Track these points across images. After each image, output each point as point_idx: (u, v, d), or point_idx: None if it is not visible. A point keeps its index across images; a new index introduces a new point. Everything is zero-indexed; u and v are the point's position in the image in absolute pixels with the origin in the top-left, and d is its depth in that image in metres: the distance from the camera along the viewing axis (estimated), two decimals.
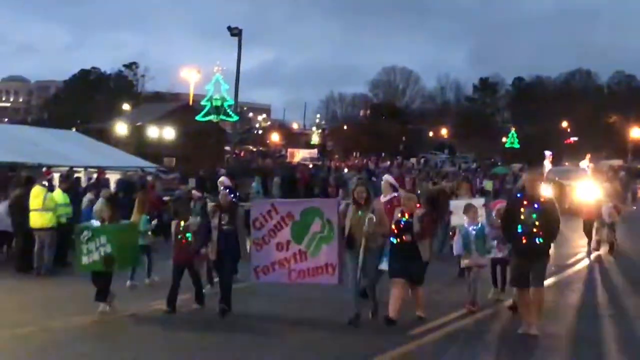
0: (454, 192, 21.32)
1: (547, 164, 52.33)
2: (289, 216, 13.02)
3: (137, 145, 52.15)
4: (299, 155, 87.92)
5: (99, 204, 15.18)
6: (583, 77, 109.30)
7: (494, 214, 14.22)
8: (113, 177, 27.79)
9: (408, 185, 27.82)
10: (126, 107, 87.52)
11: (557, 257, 18.67)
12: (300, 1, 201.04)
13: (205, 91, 61.00)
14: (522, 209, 11.52)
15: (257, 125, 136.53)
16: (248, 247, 13.58)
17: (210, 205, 14.32)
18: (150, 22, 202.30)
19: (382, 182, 15.01)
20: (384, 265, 12.65)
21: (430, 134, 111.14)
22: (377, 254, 12.52)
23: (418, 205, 13.36)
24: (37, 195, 18.17)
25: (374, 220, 12.19)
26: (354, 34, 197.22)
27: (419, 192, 23.97)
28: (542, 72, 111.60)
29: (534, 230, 11.38)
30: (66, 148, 30.42)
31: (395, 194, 14.27)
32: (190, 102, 75.62)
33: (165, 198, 23.95)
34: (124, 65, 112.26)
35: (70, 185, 20.70)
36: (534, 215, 11.41)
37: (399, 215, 12.67)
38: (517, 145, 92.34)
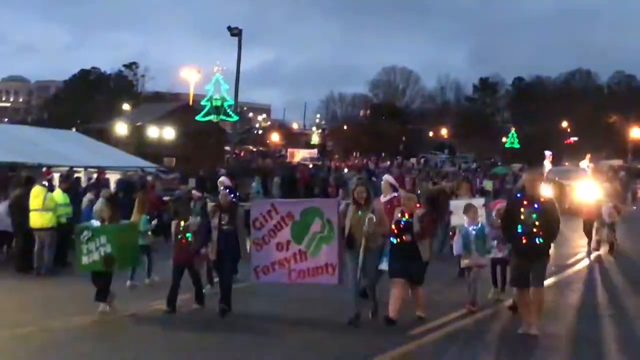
0: (453, 192, 21.32)
1: (547, 164, 52.34)
2: (289, 216, 13.02)
3: (137, 145, 52.16)
4: (299, 155, 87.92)
5: (98, 204, 15.19)
6: (583, 77, 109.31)
7: (493, 214, 14.22)
8: (113, 177, 27.80)
9: (408, 185, 27.83)
10: (126, 107, 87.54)
11: (557, 257, 18.68)
12: (300, 1, 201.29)
13: (205, 91, 61.06)
14: (522, 209, 11.53)
15: (257, 125, 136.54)
16: (248, 247, 13.56)
17: (210, 205, 14.31)
18: (150, 22, 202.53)
19: (382, 182, 15.02)
20: (384, 265, 12.65)
21: (430, 134, 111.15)
22: (377, 254, 12.52)
23: (418, 205, 13.35)
24: (37, 195, 18.18)
25: (374, 220, 12.20)
26: (354, 34, 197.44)
27: (419, 192, 23.97)
28: (542, 72, 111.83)
29: (534, 230, 11.38)
30: (66, 148, 30.42)
31: (395, 194, 14.27)
32: (190, 102, 75.64)
33: (165, 198, 23.95)
34: (124, 65, 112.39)
35: (70, 185, 20.71)
36: (534, 215, 11.41)
37: (399, 215, 12.68)
38: (517, 145, 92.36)
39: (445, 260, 17.22)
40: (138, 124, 59.87)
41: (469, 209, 13.98)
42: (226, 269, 13.28)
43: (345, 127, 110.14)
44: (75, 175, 24.51)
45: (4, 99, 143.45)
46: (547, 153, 57.11)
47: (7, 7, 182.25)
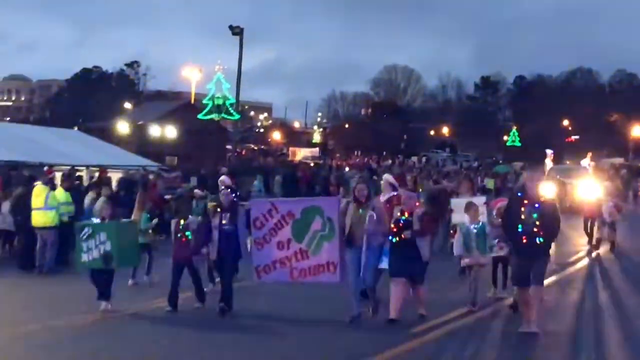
0: (454, 191, 21.31)
1: (549, 163, 52.35)
2: (289, 215, 13.03)
3: (139, 144, 52.19)
4: (301, 153, 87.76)
5: (99, 203, 15.25)
6: (584, 76, 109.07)
7: (494, 212, 14.23)
8: (115, 176, 27.81)
9: (410, 183, 27.83)
10: (128, 105, 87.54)
11: (558, 256, 18.72)
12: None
13: (207, 90, 61.08)
14: (522, 209, 11.50)
15: (259, 124, 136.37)
16: (249, 246, 13.57)
17: (210, 205, 14.32)
18: (152, 20, 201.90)
19: (382, 182, 15.01)
20: (384, 265, 12.67)
21: (432, 132, 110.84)
22: (378, 252, 12.54)
23: (417, 203, 13.36)
24: (39, 194, 18.23)
25: (375, 217, 12.23)
26: (355, 33, 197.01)
27: (420, 190, 23.97)
28: (544, 71, 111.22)
29: (535, 230, 11.37)
30: (68, 147, 30.47)
31: (395, 193, 14.26)
32: (192, 101, 75.56)
33: (167, 197, 23.98)
34: (126, 64, 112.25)
35: (72, 183, 20.75)
36: (535, 215, 11.40)
37: (399, 214, 12.70)
38: (518, 144, 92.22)
39: (447, 259, 17.23)
40: (140, 122, 59.89)
41: (470, 208, 13.98)
42: (227, 269, 13.30)
43: (346, 126, 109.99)
44: (77, 174, 24.54)
45: (5, 97, 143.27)
46: (549, 151, 57.11)
47: (9, 6, 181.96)
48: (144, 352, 10.78)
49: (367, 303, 12.71)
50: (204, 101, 60.71)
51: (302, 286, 13.57)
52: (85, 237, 13.20)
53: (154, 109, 67.10)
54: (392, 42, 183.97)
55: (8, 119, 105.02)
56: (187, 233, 13.47)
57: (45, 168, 24.29)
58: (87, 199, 20.51)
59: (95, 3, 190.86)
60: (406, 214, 12.60)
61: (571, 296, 15.46)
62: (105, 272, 13.23)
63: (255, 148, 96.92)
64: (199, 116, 58.68)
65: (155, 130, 58.16)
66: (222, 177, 17.08)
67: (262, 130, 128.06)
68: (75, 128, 55.91)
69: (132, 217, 16.42)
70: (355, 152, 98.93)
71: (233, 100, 53.61)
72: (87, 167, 27.98)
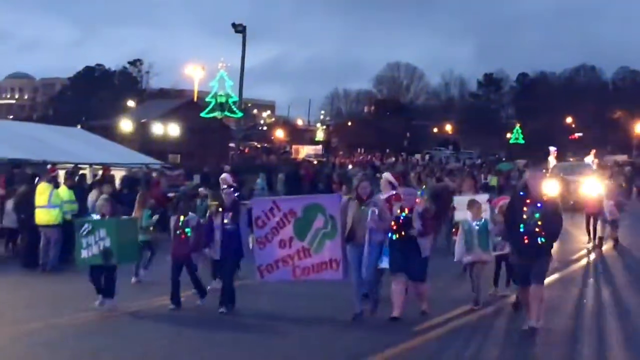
0: (456, 189, 21.28)
1: (552, 160, 52.36)
2: (291, 213, 13.01)
3: (142, 142, 52.19)
4: (304, 151, 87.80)
5: (99, 200, 15.27)
6: (588, 73, 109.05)
7: (496, 211, 14.22)
8: (118, 174, 27.82)
9: (414, 180, 27.83)
10: (131, 103, 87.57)
11: (561, 253, 18.71)
12: None
13: (210, 88, 61.15)
14: (524, 208, 11.44)
15: (262, 122, 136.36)
16: (251, 245, 13.55)
17: (212, 204, 14.30)
18: (155, 18, 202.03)
19: (381, 180, 14.94)
20: (385, 264, 12.64)
21: (435, 130, 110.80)
22: (378, 249, 12.50)
23: (417, 200, 13.33)
24: (42, 192, 18.25)
25: (377, 213, 12.22)
26: (358, 30, 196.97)
27: (424, 187, 23.93)
28: (547, 68, 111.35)
29: (536, 229, 11.31)
30: (71, 145, 30.51)
31: (394, 192, 14.22)
32: (195, 99, 75.53)
33: (170, 194, 23.98)
34: (129, 62, 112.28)
35: (76, 182, 20.76)
36: (537, 215, 11.34)
37: (399, 210, 12.67)
38: (521, 141, 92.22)
39: (449, 257, 17.23)
40: (143, 120, 59.90)
41: (472, 205, 13.96)
42: (227, 269, 13.26)
43: (349, 124, 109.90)
44: (81, 172, 24.56)
45: (8, 96, 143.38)
46: (552, 149, 57.17)
47: (12, 4, 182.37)
48: (146, 350, 10.79)
49: (368, 301, 12.71)
50: (207, 99, 60.76)
51: (304, 284, 13.57)
52: (85, 233, 13.21)
53: (157, 107, 67.09)
54: (395, 39, 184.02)
55: (11, 117, 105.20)
56: (187, 230, 13.47)
57: (49, 166, 24.35)
58: (91, 197, 20.51)
59: (99, 1, 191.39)
60: (406, 211, 12.58)
61: (573, 294, 15.45)
62: (107, 269, 13.24)
63: (258, 146, 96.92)
64: (202, 114, 58.71)
65: (158, 128, 58.16)
66: (224, 176, 17.05)
67: (265, 128, 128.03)
68: (79, 126, 56.04)
69: (133, 214, 16.43)
70: (359, 150, 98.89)
71: (236, 98, 53.65)
72: (91, 165, 27.98)
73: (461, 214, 14.80)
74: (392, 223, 12.50)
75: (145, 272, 16.19)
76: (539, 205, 11.41)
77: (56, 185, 19.21)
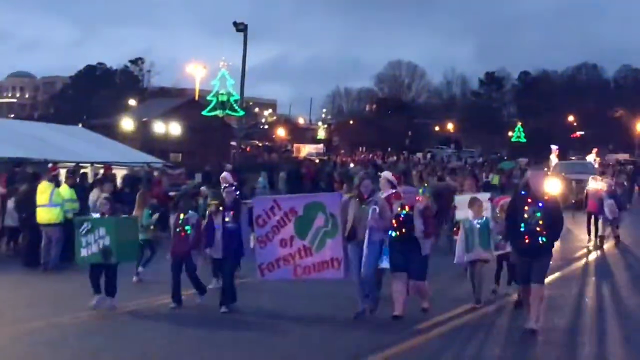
0: (457, 189, 21.24)
1: (554, 158, 52.31)
2: (292, 212, 13.00)
3: (143, 140, 52.20)
4: (305, 150, 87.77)
5: (99, 199, 15.27)
6: (589, 72, 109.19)
7: (497, 210, 14.19)
8: (120, 173, 27.84)
9: (415, 178, 27.84)
10: (132, 102, 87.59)
11: (562, 252, 18.71)
12: None
13: (211, 86, 60.98)
14: (526, 207, 11.42)
15: (263, 121, 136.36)
16: (252, 244, 13.53)
17: (212, 203, 14.27)
18: (156, 17, 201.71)
19: (381, 179, 14.86)
20: (385, 264, 12.61)
21: (436, 128, 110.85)
22: (378, 248, 12.45)
23: (418, 198, 13.30)
24: (44, 190, 18.25)
25: (378, 211, 12.20)
26: (360, 29, 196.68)
27: (425, 185, 23.92)
28: (549, 67, 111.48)
29: (537, 229, 11.28)
30: (72, 144, 30.55)
31: (393, 191, 14.19)
32: (196, 98, 75.49)
33: (172, 193, 23.98)
34: (130, 61, 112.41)
35: (77, 180, 20.76)
36: (538, 214, 11.30)
37: (399, 208, 12.65)
38: (523, 140, 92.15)
39: (451, 255, 17.23)
40: (144, 119, 59.90)
41: (474, 203, 13.92)
42: (228, 268, 13.21)
43: (351, 122, 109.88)
44: (82, 170, 24.58)
45: (10, 94, 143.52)
46: (554, 147, 57.07)
47: (13, 3, 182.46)
48: (146, 349, 10.78)
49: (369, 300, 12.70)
50: (208, 98, 60.61)
51: (305, 283, 13.58)
52: (84, 232, 13.22)
53: (158, 106, 67.10)
54: (396, 38, 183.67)
55: (12, 115, 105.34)
56: (187, 228, 13.46)
57: (50, 165, 24.39)
58: (92, 196, 20.49)
59: (100, 0, 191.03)
60: (407, 209, 12.55)
61: (574, 292, 15.45)
62: (107, 268, 13.23)
63: (260, 144, 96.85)
64: (203, 113, 58.58)
65: (159, 127, 58.16)
66: (224, 174, 17.01)
67: (266, 126, 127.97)
68: (80, 125, 55.98)
69: (134, 213, 16.44)
70: (360, 149, 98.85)
71: (237, 97, 53.51)
72: (92, 164, 28.00)
73: (462, 213, 14.73)
74: (393, 221, 12.48)
75: (143, 270, 16.15)
76: (540, 204, 11.38)
77: (57, 184, 19.22)
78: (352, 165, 55.31)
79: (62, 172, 21.98)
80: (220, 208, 13.36)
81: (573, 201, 29.45)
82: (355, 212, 12.43)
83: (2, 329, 11.72)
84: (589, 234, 23.31)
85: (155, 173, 28.30)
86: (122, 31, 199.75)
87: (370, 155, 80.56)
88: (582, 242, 23.18)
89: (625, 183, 34.97)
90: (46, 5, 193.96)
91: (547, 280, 12.33)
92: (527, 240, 11.34)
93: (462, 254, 13.64)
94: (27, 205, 18.58)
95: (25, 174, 21.59)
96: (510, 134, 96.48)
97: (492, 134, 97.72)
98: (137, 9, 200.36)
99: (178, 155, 53.48)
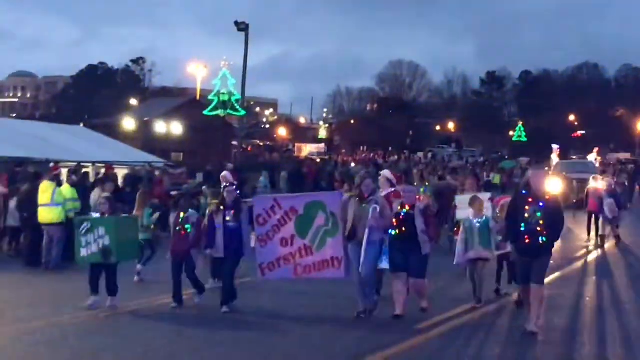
0: (458, 188, 21.27)
1: (555, 158, 52.31)
2: (292, 211, 13.00)
3: (145, 140, 52.20)
4: (306, 149, 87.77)
5: (99, 199, 15.29)
6: (590, 71, 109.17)
7: (497, 210, 14.20)
8: (121, 172, 27.87)
9: (416, 177, 27.86)
10: (134, 102, 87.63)
11: (563, 251, 18.71)
12: None
13: (213, 86, 60.99)
14: (526, 207, 11.40)
15: (264, 120, 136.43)
16: (253, 243, 13.52)
17: (212, 203, 14.27)
18: (157, 16, 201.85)
19: (380, 178, 14.84)
20: (385, 265, 12.61)
21: (437, 128, 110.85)
22: (378, 247, 12.43)
23: (419, 197, 13.30)
24: (45, 190, 18.27)
25: (378, 210, 12.20)
26: (361, 28, 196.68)
27: (426, 184, 23.96)
28: (550, 66, 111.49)
29: (538, 229, 11.25)
30: (74, 143, 30.57)
31: (393, 190, 14.20)
32: (198, 97, 75.65)
33: (173, 193, 24.00)
34: (131, 61, 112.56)
35: (79, 180, 20.78)
36: (539, 214, 11.28)
37: (399, 207, 12.66)
38: (524, 139, 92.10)
39: (452, 255, 17.24)
40: (145, 119, 59.90)
41: (474, 202, 13.92)
42: (229, 267, 13.17)
43: (352, 122, 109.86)
44: (84, 170, 24.61)
45: (11, 94, 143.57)
46: (555, 146, 57.07)
47: (15, 3, 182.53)
48: (146, 349, 10.78)
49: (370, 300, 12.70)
50: (210, 97, 60.66)
51: (306, 282, 13.57)
52: (84, 231, 13.23)
53: (160, 105, 67.11)
54: (397, 37, 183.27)
55: (14, 115, 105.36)
56: (187, 226, 13.46)
57: (51, 164, 24.40)
58: (93, 195, 20.51)
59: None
60: (407, 207, 12.56)
61: (575, 292, 15.46)
62: (107, 267, 13.24)
63: (261, 144, 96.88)
64: (205, 112, 58.62)
65: (160, 127, 58.17)
66: (224, 173, 17.02)
67: (267, 126, 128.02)
68: (81, 124, 56.01)
69: (134, 213, 16.46)
70: (361, 148, 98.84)
71: (239, 96, 53.50)
72: (93, 163, 28.02)
73: (463, 212, 14.75)
74: (394, 220, 12.48)
75: (143, 269, 16.14)
76: (541, 204, 11.36)
77: (59, 184, 19.24)
78: (353, 164, 55.30)
79: (64, 172, 22.01)
80: (221, 207, 13.33)
81: (574, 201, 29.45)
82: (355, 211, 12.42)
83: (3, 328, 11.74)
84: (589, 233, 23.34)
85: (157, 173, 28.34)
86: (124, 31, 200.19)
87: (372, 155, 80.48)
88: (582, 242, 23.20)
89: (626, 182, 34.99)
90: (48, 5, 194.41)
91: (547, 280, 12.36)
92: (527, 240, 11.33)
93: (462, 254, 13.64)
94: (29, 204, 18.60)
95: (26, 173, 21.61)
96: (511, 133, 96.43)
97: (493, 133, 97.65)
98: (139, 8, 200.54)
99: (179, 155, 53.48)
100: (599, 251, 21.74)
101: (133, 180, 25.33)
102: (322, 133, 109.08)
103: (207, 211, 14.02)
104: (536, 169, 18.13)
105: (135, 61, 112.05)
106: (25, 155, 25.72)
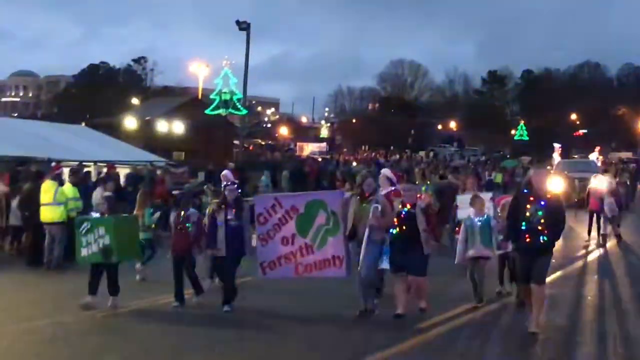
0: (459, 187, 21.27)
1: (557, 157, 52.29)
2: (293, 209, 13.01)
3: (147, 139, 52.18)
4: (308, 148, 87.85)
5: (99, 199, 15.29)
6: (592, 70, 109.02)
7: (498, 209, 14.19)
8: (123, 172, 27.87)
9: (418, 176, 27.86)
10: (135, 101, 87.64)
11: (564, 250, 18.71)
12: None
13: (214, 85, 61.01)
14: (527, 205, 11.39)
15: (266, 119, 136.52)
16: (254, 242, 13.52)
17: (212, 202, 14.26)
18: (159, 16, 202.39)
19: (380, 176, 14.82)
20: (385, 265, 12.61)
21: (439, 127, 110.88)
22: (378, 247, 12.41)
23: (421, 196, 13.29)
24: (47, 189, 18.28)
25: (379, 209, 12.19)
26: (362, 28, 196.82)
27: (428, 183, 23.96)
28: (551, 65, 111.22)
29: (539, 228, 11.24)
30: (76, 142, 30.55)
31: (392, 188, 14.19)
32: (199, 96, 75.64)
33: (175, 192, 24.00)
34: (133, 60, 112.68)
35: (80, 179, 20.78)
36: (540, 213, 11.27)
37: (400, 206, 12.65)
38: (526, 138, 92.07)
39: (453, 255, 17.23)
40: (147, 118, 59.88)
41: (475, 200, 13.93)
42: (230, 266, 13.14)
43: (354, 121, 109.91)
44: (85, 169, 24.61)
45: (13, 93, 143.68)
46: (557, 145, 57.04)
47: (16, 2, 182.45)
48: (149, 348, 10.81)
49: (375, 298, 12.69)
50: (211, 96, 60.63)
51: (308, 281, 13.57)
52: (84, 231, 13.25)
53: (161, 105, 67.10)
54: (398, 36, 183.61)
55: (16, 114, 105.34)
56: (188, 225, 13.46)
57: (53, 164, 24.39)
58: (95, 195, 20.50)
59: None
60: (408, 206, 12.55)
61: (576, 291, 15.46)
62: (108, 267, 13.25)
63: (263, 143, 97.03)
64: (206, 111, 58.61)
65: (162, 126, 58.16)
66: (225, 172, 17.01)
67: (269, 125, 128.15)
68: (83, 124, 56.05)
69: (135, 212, 16.46)
70: (363, 147, 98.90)
71: (240, 96, 53.50)
72: (95, 162, 28.01)
73: (464, 212, 14.76)
74: (395, 219, 12.47)
75: (143, 267, 16.15)
76: (542, 203, 11.35)
77: (61, 183, 19.24)
78: (355, 164, 55.33)
79: (65, 171, 22.01)
80: (222, 206, 13.31)
81: (575, 200, 29.45)
82: (356, 210, 12.42)
83: (5, 327, 11.75)
84: (589, 233, 23.35)
85: (159, 172, 28.33)
86: (125, 30, 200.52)
87: (373, 154, 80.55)
88: (584, 241, 23.18)
89: (628, 182, 34.99)
90: (49, 4, 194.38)
91: (548, 279, 12.35)
92: (528, 239, 11.32)
93: (463, 253, 13.64)
94: (31, 204, 18.60)
95: (28, 172, 21.60)
96: (513, 132, 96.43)
97: (494, 132, 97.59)
98: (140, 8, 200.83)
99: (181, 154, 53.45)
100: (601, 250, 21.74)
101: (135, 180, 25.33)
102: (324, 132, 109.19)
103: (208, 210, 13.98)
104: (538, 168, 18.09)
105: (137, 60, 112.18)
106: (27, 154, 25.71)
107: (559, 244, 12.47)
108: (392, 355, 10.35)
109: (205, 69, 77.20)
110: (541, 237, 11.26)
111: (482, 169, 44.08)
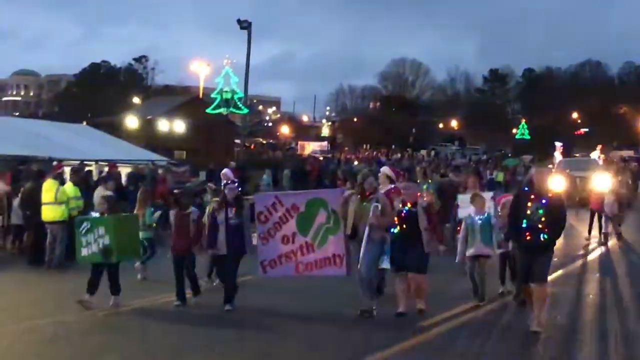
0: (460, 185, 21.26)
1: (558, 156, 52.30)
2: (293, 208, 13.00)
3: (148, 138, 52.25)
4: (309, 147, 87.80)
5: (99, 199, 15.29)
6: (593, 69, 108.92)
7: (499, 208, 14.18)
8: (124, 171, 27.90)
9: (419, 175, 27.81)
10: (136, 100, 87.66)
11: (565, 248, 18.69)
12: None
13: (215, 84, 61.02)
14: (529, 204, 11.37)
15: (267, 118, 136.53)
16: (254, 240, 13.51)
17: (213, 201, 14.26)
18: (160, 15, 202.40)
19: (379, 174, 14.78)
20: (385, 264, 12.60)
21: (440, 125, 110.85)
22: (378, 246, 12.39)
23: (423, 195, 13.29)
24: (49, 188, 18.29)
25: (379, 208, 12.18)
26: (363, 26, 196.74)
27: (429, 181, 23.94)
28: (552, 64, 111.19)
29: (540, 226, 11.22)
30: (77, 142, 30.59)
31: (392, 186, 14.18)
32: (200, 95, 75.71)
33: (176, 191, 23.99)
34: (134, 59, 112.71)
35: (82, 178, 20.79)
36: (541, 211, 11.25)
37: (400, 205, 12.64)
38: (527, 137, 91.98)
39: (454, 253, 17.22)
40: (148, 117, 59.97)
41: (476, 198, 13.92)
42: (229, 266, 13.11)
43: (355, 120, 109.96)
44: (87, 168, 24.62)
45: (14, 93, 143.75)
46: (558, 144, 57.05)
47: (17, 2, 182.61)
48: (150, 347, 10.81)
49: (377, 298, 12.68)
50: (213, 95, 60.65)
51: (308, 280, 13.58)
52: (84, 231, 13.25)
53: (163, 104, 67.22)
54: (400, 35, 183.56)
55: (17, 114, 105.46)
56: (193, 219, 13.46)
57: (54, 163, 24.41)
58: (96, 194, 20.50)
59: None
60: (409, 205, 12.54)
61: (577, 289, 15.45)
62: (109, 266, 13.25)
63: (264, 142, 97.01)
64: (208, 110, 58.63)
65: (163, 125, 58.25)
66: (225, 171, 17.03)
67: (270, 124, 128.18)
68: (84, 123, 56.03)
69: (135, 211, 16.46)
70: (364, 146, 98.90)
71: (241, 94, 53.49)
72: (96, 161, 28.02)
73: (465, 211, 14.75)
74: (395, 217, 12.46)
75: (142, 267, 16.15)
76: (543, 201, 11.33)
77: (62, 182, 19.25)
78: (356, 162, 55.35)
79: (67, 170, 22.03)
80: (223, 205, 13.29)
81: (577, 198, 29.44)
82: (356, 209, 12.40)
83: (6, 326, 11.76)
84: (590, 232, 23.34)
85: (160, 171, 28.37)
86: (126, 29, 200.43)
87: (375, 153, 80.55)
88: (585, 239, 23.17)
89: (630, 180, 34.96)
90: (50, 4, 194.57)
91: (550, 277, 12.33)
92: (528, 237, 11.30)
93: (464, 252, 13.63)
94: (32, 203, 18.61)
95: (30, 171, 21.62)
96: (514, 131, 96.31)
97: (496, 131, 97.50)
98: (141, 6, 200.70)
99: (182, 153, 53.54)
100: (602, 249, 21.74)
101: (136, 179, 25.36)
102: (325, 131, 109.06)
103: (208, 209, 13.97)
104: (539, 166, 18.08)
105: (138, 59, 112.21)
106: (29, 153, 25.74)
107: (560, 242, 12.46)
108: (392, 355, 10.33)
109: (206, 68, 77.31)
110: (542, 235, 11.24)
111: (484, 168, 44.03)
